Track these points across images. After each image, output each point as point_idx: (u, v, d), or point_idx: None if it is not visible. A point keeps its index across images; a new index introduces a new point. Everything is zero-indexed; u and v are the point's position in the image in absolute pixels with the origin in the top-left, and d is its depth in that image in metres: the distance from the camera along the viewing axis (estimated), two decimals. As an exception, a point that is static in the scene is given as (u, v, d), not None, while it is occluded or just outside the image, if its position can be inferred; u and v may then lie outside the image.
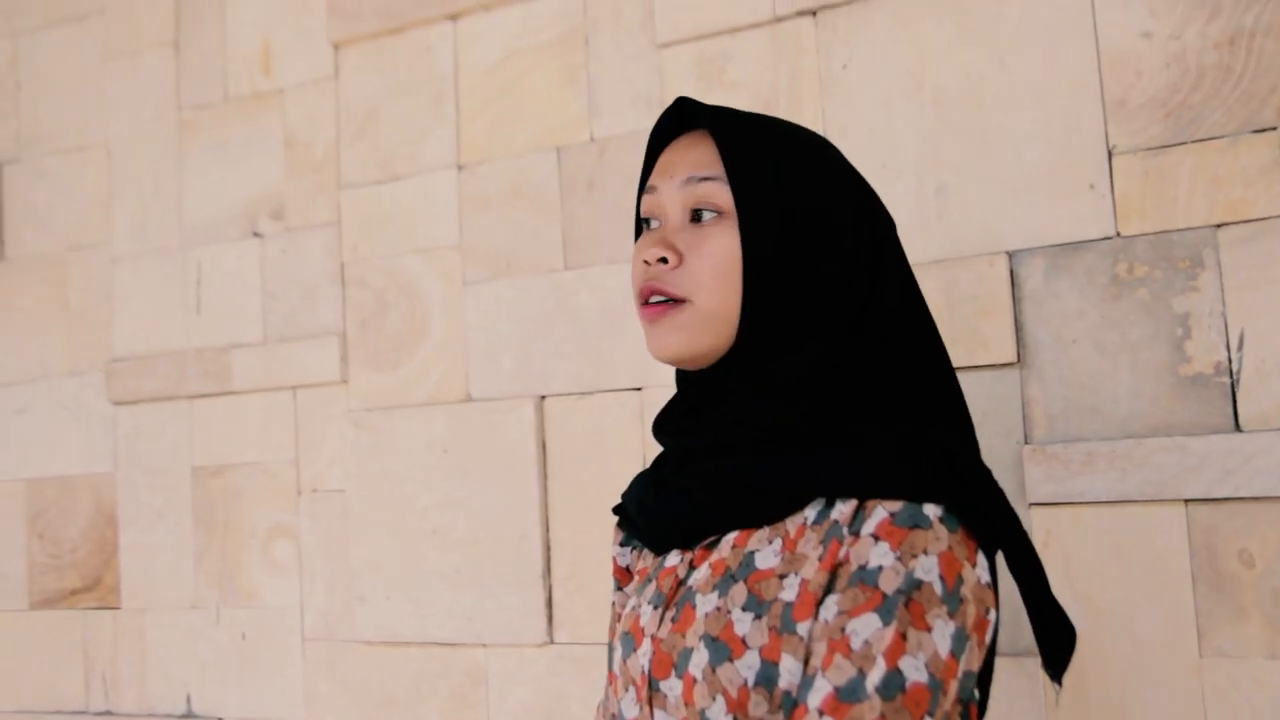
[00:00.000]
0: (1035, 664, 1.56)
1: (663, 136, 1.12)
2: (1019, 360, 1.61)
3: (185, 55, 2.42)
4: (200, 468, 2.32)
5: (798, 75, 1.81)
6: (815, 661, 0.90)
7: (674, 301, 1.02)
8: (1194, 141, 1.53)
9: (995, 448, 1.61)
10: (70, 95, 2.57)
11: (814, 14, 1.80)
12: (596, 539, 1.91)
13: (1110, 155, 1.58)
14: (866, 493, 0.94)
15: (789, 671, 0.92)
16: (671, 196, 1.05)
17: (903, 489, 0.93)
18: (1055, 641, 1.02)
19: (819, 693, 0.88)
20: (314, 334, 2.21)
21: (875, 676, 0.86)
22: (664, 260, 1.03)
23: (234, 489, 2.28)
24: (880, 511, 0.93)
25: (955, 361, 1.62)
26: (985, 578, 0.94)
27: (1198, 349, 1.51)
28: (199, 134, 2.39)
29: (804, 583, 0.94)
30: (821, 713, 0.87)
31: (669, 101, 1.88)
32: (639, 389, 1.90)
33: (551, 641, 1.94)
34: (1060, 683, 1.05)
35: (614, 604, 1.24)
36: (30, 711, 2.47)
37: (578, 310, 1.96)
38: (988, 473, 1.00)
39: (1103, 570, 1.54)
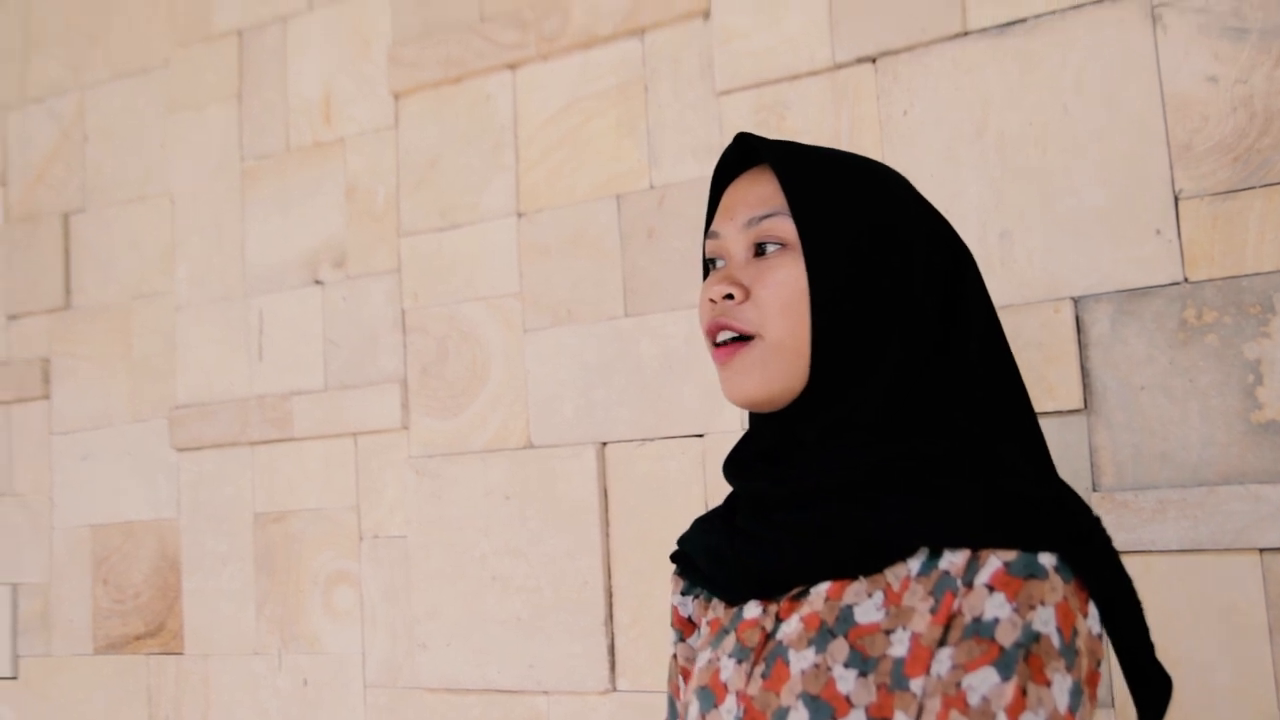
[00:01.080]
0: (1108, 715, 1.53)
1: (725, 174, 1.11)
2: (1086, 407, 1.60)
3: (248, 106, 2.46)
4: (262, 514, 2.34)
5: (858, 122, 1.81)
6: (929, 719, 0.86)
7: (743, 339, 1.01)
8: (1262, 186, 1.52)
9: (1064, 495, 1.59)
10: (135, 146, 2.61)
11: (874, 61, 1.81)
12: (659, 586, 1.91)
13: (1177, 200, 1.57)
14: (979, 542, 0.91)
15: None
16: (734, 238, 1.04)
17: (1016, 538, 0.90)
18: (1153, 693, 0.97)
19: None
20: (375, 381, 2.23)
21: None
22: (730, 296, 1.02)
23: (295, 535, 2.30)
24: (994, 561, 0.90)
25: (1021, 408, 1.62)
26: (1096, 629, 0.91)
27: (1270, 395, 1.49)
28: (261, 183, 2.43)
29: (915, 637, 0.90)
30: None
31: (729, 149, 1.89)
32: (700, 435, 1.90)
33: (614, 689, 1.94)
34: None
35: (675, 655, 1.19)
36: (94, 756, 2.50)
37: (638, 357, 1.97)
38: (1096, 518, 0.97)
39: (1175, 620, 1.52)
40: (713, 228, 1.07)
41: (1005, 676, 0.85)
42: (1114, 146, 1.62)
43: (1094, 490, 1.58)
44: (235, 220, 2.45)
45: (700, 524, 1.12)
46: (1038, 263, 1.65)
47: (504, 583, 2.05)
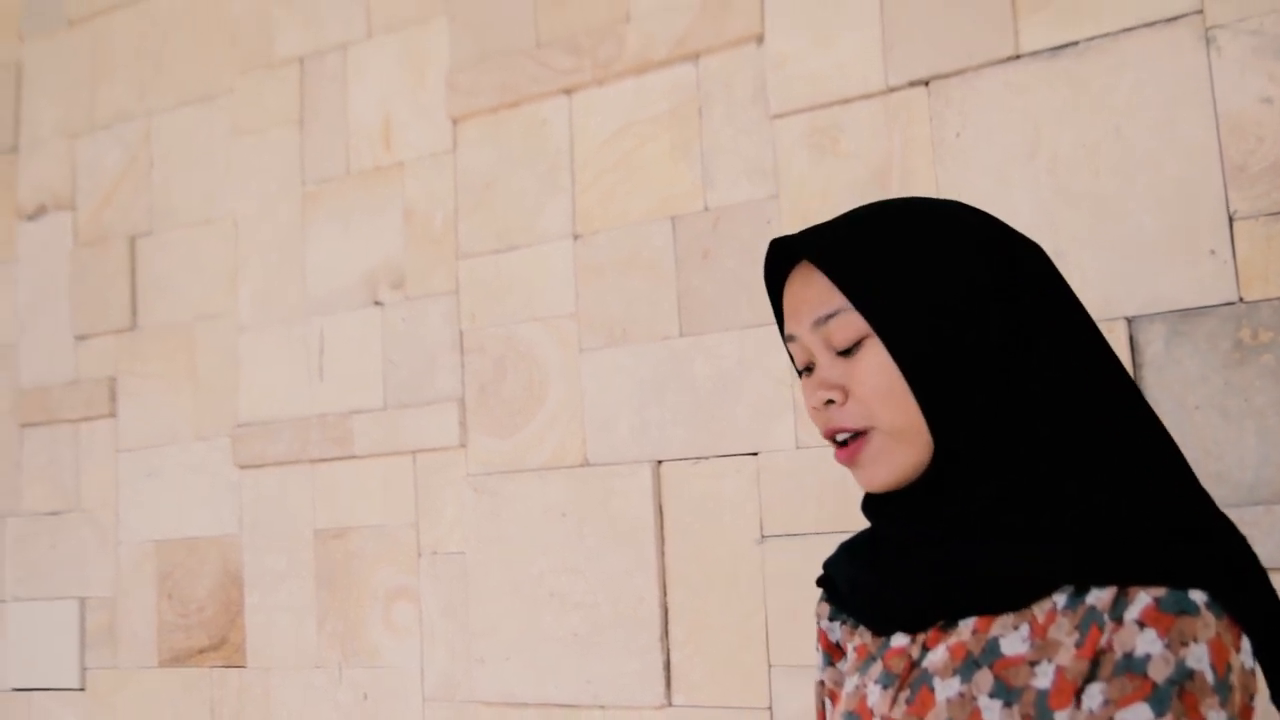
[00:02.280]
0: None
1: (776, 277, 1.11)
2: (1141, 426, 1.60)
3: (309, 131, 2.52)
4: (322, 530, 2.39)
5: (910, 144, 1.83)
6: None
7: (859, 434, 1.02)
8: (1318, 206, 1.53)
9: (1119, 514, 1.60)
10: (199, 171, 2.68)
11: (926, 84, 1.83)
12: (714, 602, 1.93)
13: (1231, 220, 1.58)
14: (1126, 579, 0.91)
15: None
16: (811, 339, 1.04)
17: (1165, 575, 0.90)
18: None
19: None
20: (433, 400, 2.27)
21: None
22: (830, 401, 1.03)
23: (355, 551, 2.34)
24: (1144, 597, 0.90)
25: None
26: (1249, 663, 0.91)
27: (1327, 415, 1.50)
28: (322, 206, 2.48)
29: (1060, 670, 0.91)
30: None
31: (783, 172, 1.92)
32: (754, 454, 1.93)
33: (669, 704, 1.96)
34: None
35: (822, 681, 1.19)
36: (159, 768, 2.55)
37: (693, 377, 1.99)
38: (1245, 547, 0.97)
39: (1233, 639, 1.52)
40: (787, 331, 1.08)
41: (1159, 713, 0.86)
42: (1167, 168, 1.63)
43: (1149, 509, 1.58)
44: (297, 242, 2.50)
45: (845, 551, 1.13)
46: (1091, 283, 1.66)
47: (561, 599, 2.08)
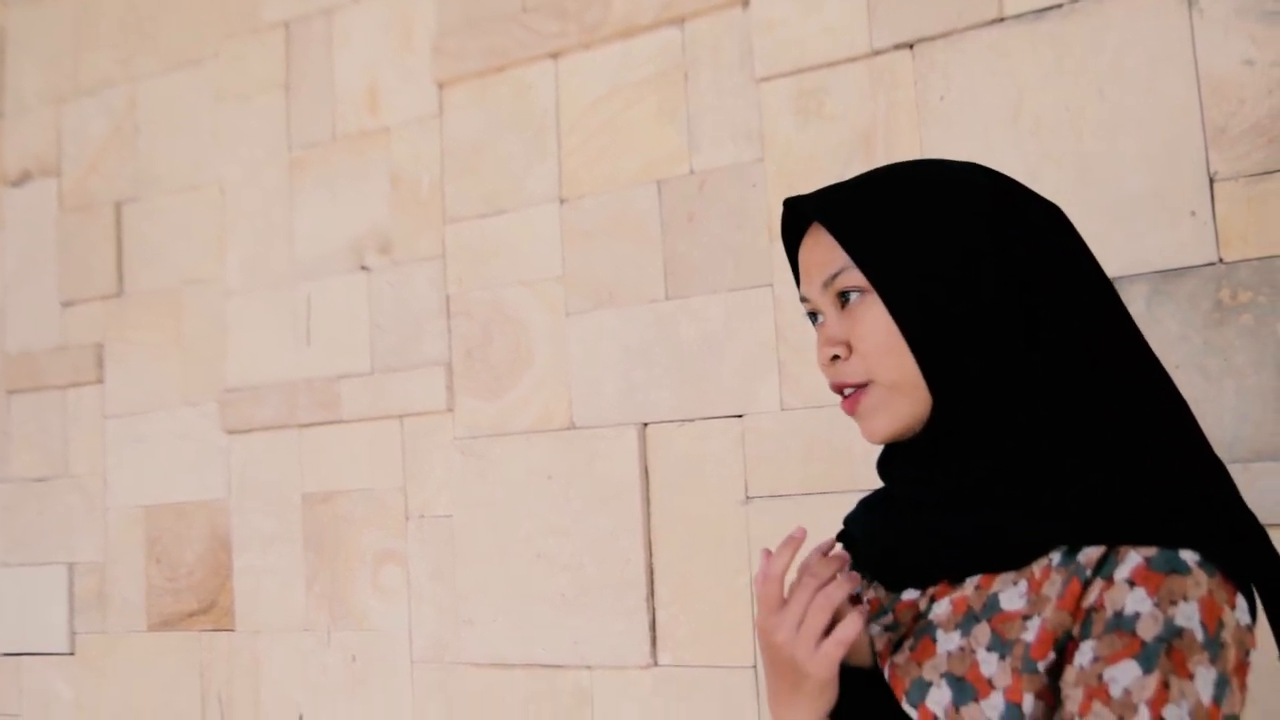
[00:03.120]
0: None
1: (794, 237, 1.14)
2: (1122, 386, 1.62)
3: (295, 96, 2.51)
4: (310, 494, 2.40)
5: (895, 107, 1.84)
6: (1071, 708, 0.89)
7: (860, 387, 1.05)
8: (1297, 167, 1.54)
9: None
10: (185, 137, 2.67)
11: (911, 47, 1.84)
12: (699, 563, 1.95)
13: (1212, 182, 1.59)
14: (1115, 538, 0.93)
15: (1029, 711, 0.92)
16: (820, 298, 1.08)
17: (1155, 535, 0.92)
18: None
19: None
20: (420, 364, 2.28)
21: None
22: (836, 357, 1.06)
23: (343, 515, 2.35)
24: (1134, 556, 0.92)
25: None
26: (1245, 619, 0.92)
27: (1304, 373, 1.51)
28: (308, 172, 2.48)
29: (1043, 622, 0.94)
30: None
31: (768, 135, 1.93)
32: (739, 416, 1.94)
33: (655, 663, 1.98)
34: None
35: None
36: (149, 730, 2.57)
37: (679, 339, 2.00)
38: (1243, 508, 0.98)
39: (1210, 595, 1.54)
40: (801, 292, 1.11)
41: (1147, 669, 0.87)
42: (1149, 130, 1.64)
43: (1129, 468, 1.60)
44: (283, 208, 2.50)
45: (864, 506, 1.16)
46: (1073, 244, 1.67)
47: (548, 560, 2.09)
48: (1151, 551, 0.91)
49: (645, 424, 2.03)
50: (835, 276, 1.05)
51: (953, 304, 1.00)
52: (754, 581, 1.01)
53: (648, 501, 2.01)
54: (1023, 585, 0.98)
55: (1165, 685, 0.87)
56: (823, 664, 0.99)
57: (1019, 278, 1.00)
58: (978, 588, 1.01)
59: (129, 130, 2.76)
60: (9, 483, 2.83)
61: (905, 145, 1.82)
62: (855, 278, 1.03)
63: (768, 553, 1.04)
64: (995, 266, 1.00)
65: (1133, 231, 1.64)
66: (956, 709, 0.96)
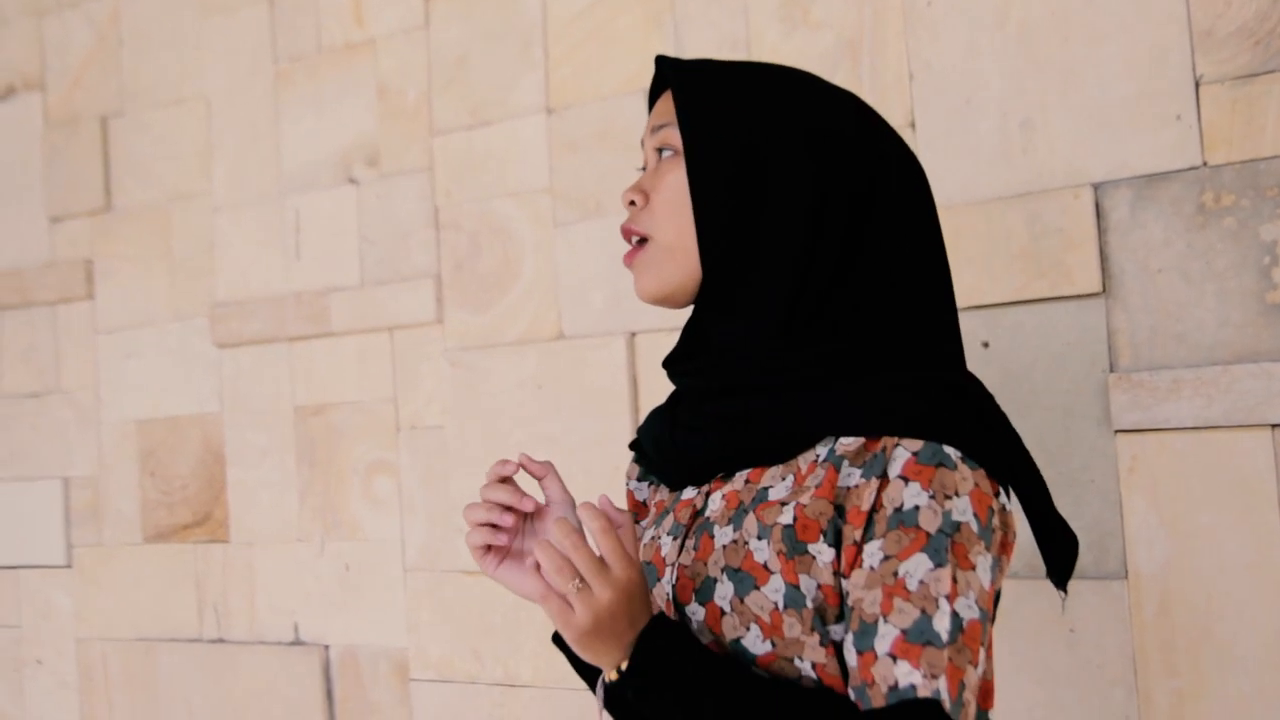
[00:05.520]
0: (1121, 586, 1.60)
1: (657, 93, 1.16)
2: (1104, 290, 1.63)
3: (279, 8, 2.49)
4: (302, 407, 2.42)
5: (881, 14, 1.83)
6: (872, 609, 0.92)
7: (643, 241, 1.09)
8: (1282, 70, 1.54)
9: (1080, 376, 1.64)
10: (169, 50, 2.65)
11: (899, -48, 1.82)
12: (687, 471, 1.97)
13: (1197, 85, 1.59)
14: (876, 429, 0.98)
15: (809, 591, 0.96)
16: (648, 146, 1.11)
17: (916, 427, 0.96)
18: (1060, 553, 1.06)
19: (885, 638, 0.91)
20: (409, 277, 2.28)
21: (940, 621, 0.91)
22: (633, 203, 1.10)
23: (335, 427, 2.37)
24: (902, 453, 0.96)
25: (1040, 293, 1.66)
26: (1005, 503, 1.00)
27: (1285, 276, 1.53)
28: (294, 85, 2.46)
29: (799, 507, 0.98)
30: (894, 657, 0.90)
31: (755, 43, 1.92)
32: (727, 325, 1.95)
33: (644, 570, 2.01)
34: (1065, 590, 1.08)
35: None
36: (148, 639, 2.60)
37: (666, 249, 2.01)
38: (994, 405, 1.04)
39: (1189, 495, 1.57)
40: (642, 137, 1.15)
41: (938, 563, 0.92)
42: (1135, 33, 1.64)
43: (1111, 371, 1.62)
44: (270, 121, 2.49)
45: (652, 415, 1.19)
46: (1058, 151, 1.68)
47: (537, 469, 2.11)
48: (917, 445, 0.96)
49: (633, 333, 2.04)
50: (661, 129, 1.09)
51: (754, 194, 1.03)
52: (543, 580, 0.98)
53: (636, 410, 2.03)
54: (790, 479, 1.02)
55: (954, 580, 0.92)
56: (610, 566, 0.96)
57: (835, 202, 1.03)
58: (748, 481, 1.05)
59: (113, 42, 2.73)
60: (2, 398, 2.85)
61: (892, 53, 1.82)
62: (674, 136, 1.07)
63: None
64: (816, 182, 1.03)
65: (1117, 136, 1.64)
66: (741, 600, 0.99)
